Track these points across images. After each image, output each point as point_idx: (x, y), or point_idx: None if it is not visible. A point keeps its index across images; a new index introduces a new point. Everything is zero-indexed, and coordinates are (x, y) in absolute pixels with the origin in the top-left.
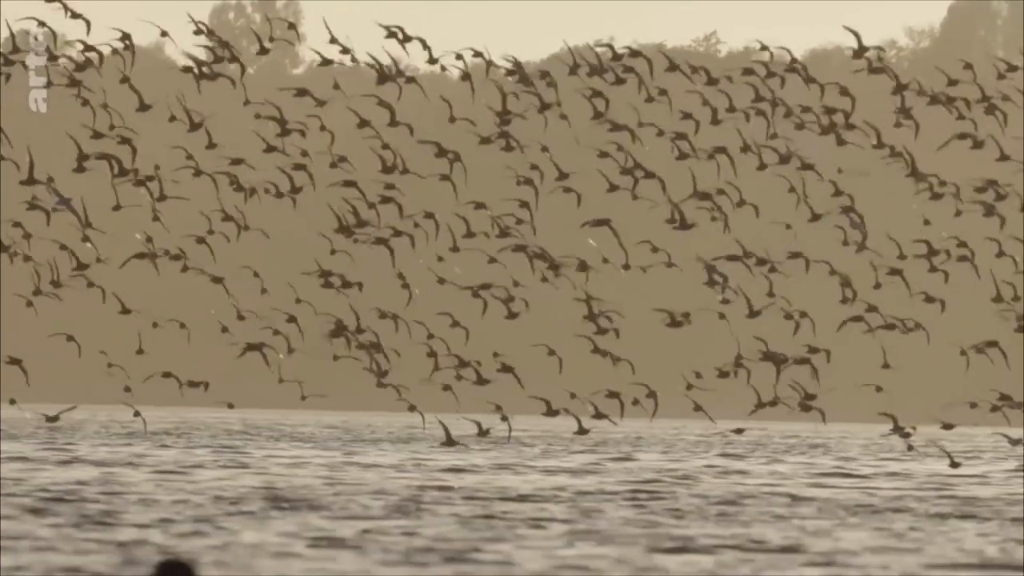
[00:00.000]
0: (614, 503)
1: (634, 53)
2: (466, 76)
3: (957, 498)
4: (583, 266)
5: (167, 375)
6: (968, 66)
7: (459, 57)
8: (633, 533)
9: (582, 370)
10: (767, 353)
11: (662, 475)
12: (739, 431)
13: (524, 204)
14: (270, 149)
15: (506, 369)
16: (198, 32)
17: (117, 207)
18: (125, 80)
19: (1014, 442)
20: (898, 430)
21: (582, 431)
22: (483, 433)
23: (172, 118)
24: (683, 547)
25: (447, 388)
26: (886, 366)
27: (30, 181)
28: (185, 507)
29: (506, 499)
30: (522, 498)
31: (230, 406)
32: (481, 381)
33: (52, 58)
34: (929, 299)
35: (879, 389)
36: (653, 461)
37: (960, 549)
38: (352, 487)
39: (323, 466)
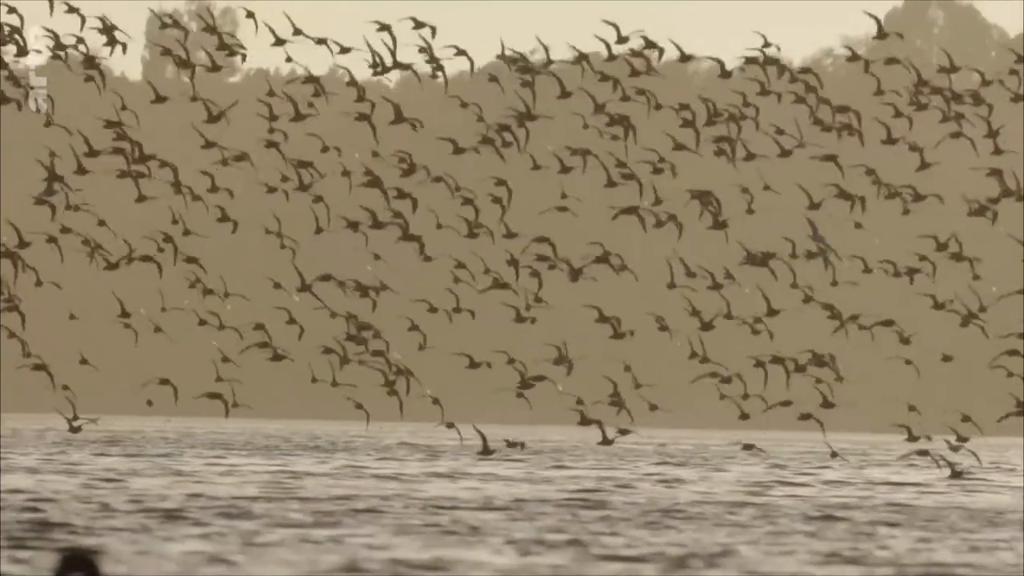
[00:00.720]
0: (548, 511)
1: (650, 44)
2: (439, 69)
3: (893, 505)
4: (604, 257)
5: (164, 381)
6: (943, 70)
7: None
8: (567, 541)
9: (593, 376)
10: (775, 357)
11: (600, 483)
12: (749, 447)
13: (497, 200)
14: (271, 145)
15: (538, 378)
16: (164, 26)
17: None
18: (89, 80)
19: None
20: (914, 440)
21: (606, 442)
22: (513, 445)
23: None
24: (617, 555)
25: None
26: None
27: (52, 178)
28: (119, 514)
29: (441, 507)
30: (458, 506)
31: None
32: (525, 385)
33: (60, 46)
34: (938, 306)
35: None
36: (588, 470)
37: (893, 555)
38: (286, 494)
39: (258, 473)
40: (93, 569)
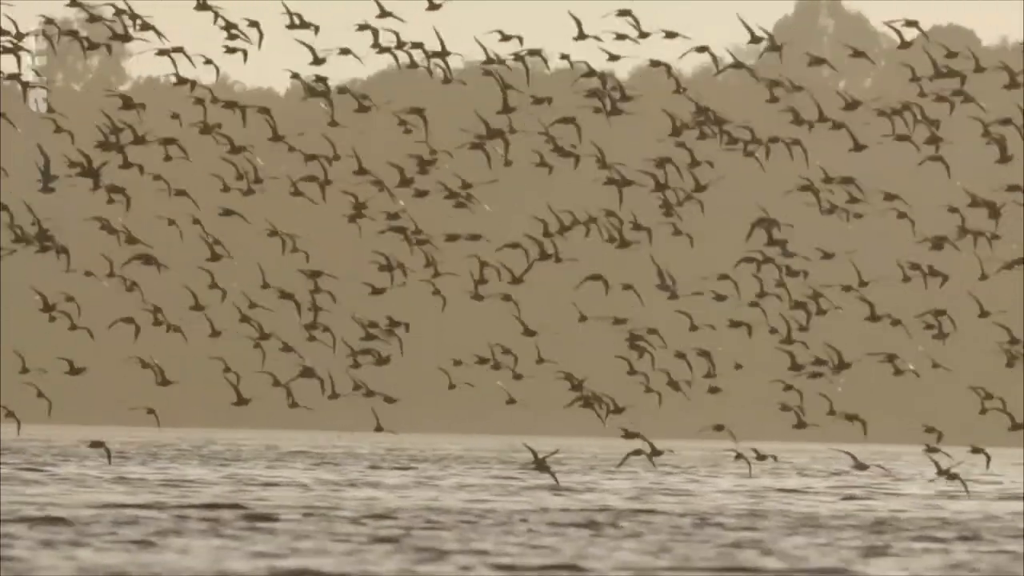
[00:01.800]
0: (441, 519)
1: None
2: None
3: (779, 511)
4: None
5: (163, 382)
6: (915, 78)
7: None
8: (453, 550)
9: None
10: (793, 364)
11: (489, 492)
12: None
13: (461, 204)
14: (277, 138)
15: (582, 398)
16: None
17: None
18: (43, 80)
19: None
20: (933, 450)
21: (637, 452)
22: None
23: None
24: (501, 564)
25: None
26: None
27: (87, 173)
28: (9, 523)
29: (330, 516)
30: (350, 514)
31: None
32: (581, 393)
33: (70, 33)
34: (939, 312)
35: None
36: (482, 478)
37: (785, 559)
38: (178, 501)
39: (156, 482)
40: None
